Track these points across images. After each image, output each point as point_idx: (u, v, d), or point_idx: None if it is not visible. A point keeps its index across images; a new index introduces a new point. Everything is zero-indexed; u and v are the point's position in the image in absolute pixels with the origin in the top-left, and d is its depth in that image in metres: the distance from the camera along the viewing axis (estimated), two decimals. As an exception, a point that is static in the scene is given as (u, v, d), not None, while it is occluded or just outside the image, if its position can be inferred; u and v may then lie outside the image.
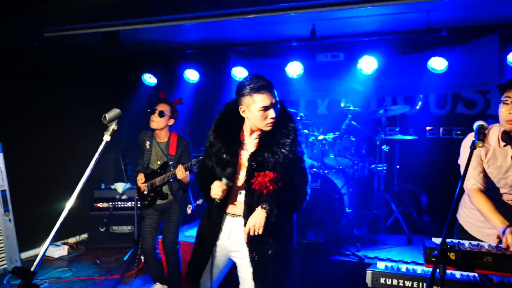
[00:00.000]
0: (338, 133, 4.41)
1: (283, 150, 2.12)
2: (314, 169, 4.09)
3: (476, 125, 2.19)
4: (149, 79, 6.10)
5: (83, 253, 5.22)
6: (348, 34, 5.05)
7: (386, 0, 3.46)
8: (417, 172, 5.10)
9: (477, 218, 2.40)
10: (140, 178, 3.66)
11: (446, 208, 5.07)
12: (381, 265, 2.25)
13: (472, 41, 5.01)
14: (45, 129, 5.22)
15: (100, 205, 5.47)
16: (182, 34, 5.27)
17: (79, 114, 5.67)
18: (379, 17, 4.42)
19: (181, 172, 3.38)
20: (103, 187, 5.63)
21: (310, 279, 3.61)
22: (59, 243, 5.31)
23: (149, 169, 3.69)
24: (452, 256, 1.83)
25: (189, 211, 3.73)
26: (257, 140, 2.19)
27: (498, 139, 2.31)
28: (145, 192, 3.66)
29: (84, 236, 5.75)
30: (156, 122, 3.57)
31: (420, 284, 2.07)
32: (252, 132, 2.23)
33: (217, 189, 2.13)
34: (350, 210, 4.06)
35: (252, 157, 2.15)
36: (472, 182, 2.28)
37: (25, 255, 4.89)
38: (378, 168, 4.52)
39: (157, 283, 3.87)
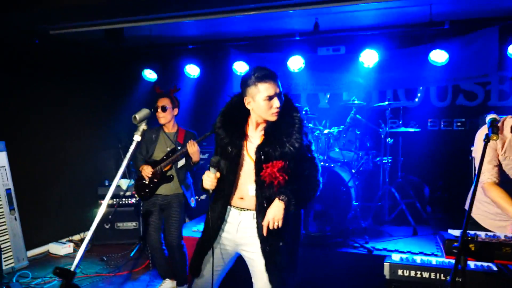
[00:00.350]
0: (342, 126, 4.46)
1: (290, 140, 2.14)
2: (322, 163, 4.13)
3: (488, 118, 2.21)
4: (149, 74, 6.07)
5: (89, 250, 5.21)
6: (350, 28, 5.07)
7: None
8: (420, 164, 5.18)
9: (489, 211, 2.46)
10: (147, 167, 3.61)
11: (448, 199, 5.18)
12: (396, 257, 2.30)
13: (472, 33, 5.06)
14: (48, 127, 5.19)
15: (103, 201, 5.47)
16: (183, 29, 5.25)
17: (81, 110, 5.65)
18: (381, 11, 4.44)
19: (192, 146, 3.41)
20: (106, 184, 5.62)
21: (320, 271, 3.66)
22: (64, 240, 5.31)
23: (151, 160, 3.69)
24: (472, 247, 1.88)
25: (192, 204, 3.75)
26: (262, 132, 2.21)
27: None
28: (146, 182, 3.64)
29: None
30: (163, 117, 3.65)
31: (437, 275, 2.13)
32: (257, 125, 2.25)
33: (207, 179, 2.18)
34: (356, 203, 4.11)
35: (259, 149, 2.17)
36: (487, 176, 2.32)
37: (31, 253, 4.89)
38: (383, 161, 4.57)
39: (167, 279, 3.90)
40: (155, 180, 3.63)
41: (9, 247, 4.45)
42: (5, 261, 4.34)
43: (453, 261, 2.09)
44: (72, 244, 5.21)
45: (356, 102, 4.48)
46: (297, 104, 3.98)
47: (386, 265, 2.19)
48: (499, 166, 2.36)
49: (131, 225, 5.42)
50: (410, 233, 4.31)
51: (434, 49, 4.92)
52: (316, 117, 4.89)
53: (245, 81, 2.17)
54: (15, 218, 4.58)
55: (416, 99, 5.63)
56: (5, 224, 4.45)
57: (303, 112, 4.44)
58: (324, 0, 3.93)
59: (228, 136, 2.24)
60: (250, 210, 2.23)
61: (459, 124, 5.43)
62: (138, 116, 1.85)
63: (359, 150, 4.46)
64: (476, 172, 1.99)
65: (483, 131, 2.43)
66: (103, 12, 3.70)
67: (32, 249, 4.94)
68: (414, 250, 3.76)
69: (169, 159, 3.59)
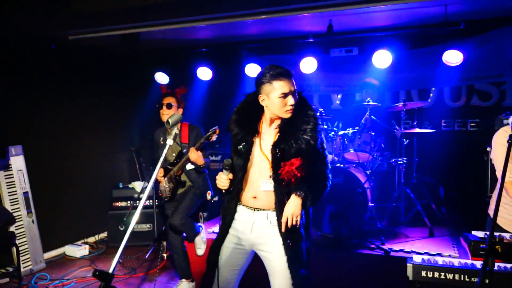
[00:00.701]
0: (357, 128, 4.45)
1: (305, 136, 2.16)
2: (338, 164, 4.13)
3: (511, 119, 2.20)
4: (162, 77, 6.12)
5: (104, 252, 5.27)
6: (363, 29, 5.06)
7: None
8: (434, 164, 5.16)
9: (510, 213, 2.44)
10: (160, 172, 3.71)
11: (463, 200, 5.14)
12: (418, 258, 2.30)
13: (487, 33, 5.03)
14: (64, 130, 5.24)
15: (118, 204, 5.52)
16: (195, 32, 5.28)
17: (95, 114, 5.70)
18: (395, 12, 4.43)
19: (193, 153, 3.43)
20: (121, 186, 5.67)
21: (337, 272, 3.66)
22: (79, 242, 5.36)
23: (165, 164, 3.77)
24: (499, 249, 1.87)
25: (208, 197, 3.73)
26: (277, 129, 2.24)
27: None
28: (166, 186, 3.72)
29: (103, 235, 5.80)
30: (167, 114, 3.67)
31: (461, 276, 2.12)
32: (272, 121, 2.27)
33: (220, 180, 2.24)
34: (372, 204, 4.11)
35: (275, 146, 2.19)
36: (509, 175, 2.31)
37: (47, 255, 4.94)
38: (398, 162, 4.56)
39: (183, 280, 3.92)
40: (172, 185, 3.71)
41: (27, 250, 4.51)
42: (23, 263, 4.39)
43: (475, 262, 2.08)
44: (87, 246, 5.25)
45: (371, 103, 4.47)
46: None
47: (409, 266, 2.18)
48: None
49: (145, 227, 5.46)
50: (426, 234, 4.29)
51: (448, 49, 4.89)
52: (329, 118, 4.90)
53: (260, 78, 2.20)
54: (33, 221, 4.63)
55: (429, 100, 5.61)
56: (23, 227, 4.51)
57: (318, 114, 4.44)
58: (337, 3, 3.93)
59: (241, 133, 2.28)
60: (264, 210, 2.25)
61: (473, 124, 5.40)
62: (171, 120, 1.93)
63: (374, 151, 4.45)
64: (500, 175, 1.97)
65: (501, 133, 2.42)
66: (121, 17, 3.74)
67: (48, 251, 4.99)
68: (432, 251, 3.74)
69: (178, 164, 3.64)
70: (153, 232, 5.38)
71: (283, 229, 2.17)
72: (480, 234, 2.08)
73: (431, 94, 5.63)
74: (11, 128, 4.64)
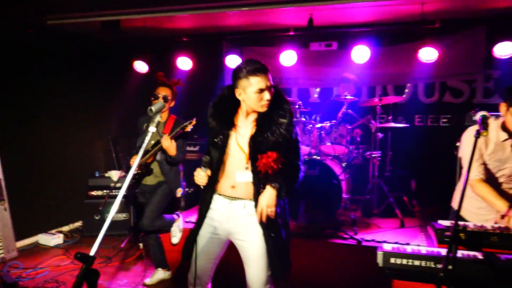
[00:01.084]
0: (334, 121, 4.55)
1: (281, 130, 2.23)
2: (314, 156, 4.21)
3: (479, 115, 2.29)
4: (141, 66, 6.06)
5: (79, 241, 5.22)
6: (343, 24, 5.15)
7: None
8: (407, 158, 5.33)
9: (474, 205, 2.58)
10: (133, 160, 3.66)
11: (433, 192, 5.32)
12: (388, 246, 2.39)
13: (460, 32, 5.21)
14: (39, 118, 5.14)
15: (94, 193, 5.47)
16: (176, 21, 5.25)
17: (71, 102, 5.60)
18: (374, 8, 4.53)
19: (166, 140, 3.36)
20: (97, 175, 5.61)
21: (311, 261, 3.75)
22: (53, 231, 5.28)
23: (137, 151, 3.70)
24: (462, 236, 1.98)
25: (179, 194, 3.73)
26: (254, 123, 2.29)
27: (497, 134, 2.46)
28: (135, 173, 3.66)
29: (78, 224, 5.74)
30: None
31: (427, 263, 2.22)
32: (247, 114, 2.32)
33: (198, 176, 2.27)
34: (346, 196, 4.22)
35: (253, 139, 2.25)
36: (474, 173, 2.43)
37: (20, 244, 4.86)
38: (373, 155, 4.69)
39: (159, 269, 3.94)
40: (139, 171, 3.65)
41: (-1, 238, 4.43)
42: (-6, 251, 4.32)
43: (441, 249, 2.19)
44: (61, 235, 5.19)
45: (347, 97, 4.57)
46: (289, 98, 4.06)
47: (379, 253, 2.27)
48: (485, 164, 2.47)
49: (121, 216, 5.43)
50: (397, 225, 4.45)
51: (424, 46, 5.04)
52: (308, 111, 4.98)
53: (237, 73, 2.24)
54: (5, 209, 4.54)
55: (404, 95, 5.77)
56: (-5, 214, 4.42)
57: (297, 106, 4.51)
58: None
59: (218, 126, 2.32)
60: (242, 199, 2.30)
61: (445, 120, 5.59)
62: (154, 108, 1.94)
63: (350, 144, 4.56)
64: (466, 170, 2.08)
65: (469, 132, 2.52)
66: (102, 3, 3.69)
67: (21, 239, 4.91)
68: (401, 241, 3.88)
69: (151, 152, 3.54)
70: (129, 221, 5.36)
71: (258, 220, 2.23)
72: (446, 223, 2.19)
73: (406, 90, 5.79)
74: (-17, 114, 4.54)
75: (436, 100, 5.66)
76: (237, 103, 2.33)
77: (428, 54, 5.08)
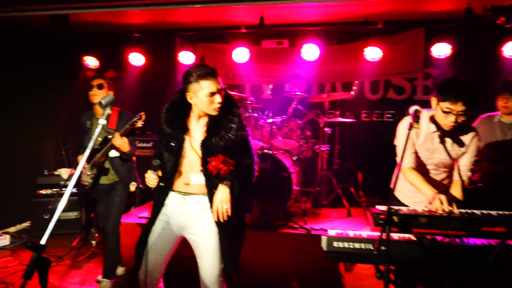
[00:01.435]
0: (285, 116, 4.71)
1: (229, 134, 2.32)
2: (266, 150, 4.36)
3: (412, 109, 2.51)
4: (91, 62, 5.94)
5: (27, 242, 5.05)
6: (293, 23, 5.33)
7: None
8: (354, 152, 5.62)
9: (408, 190, 2.82)
10: (79, 158, 3.55)
11: (378, 184, 5.65)
12: (332, 232, 2.57)
13: (402, 33, 5.55)
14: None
15: (43, 191, 5.31)
16: (127, 16, 5.20)
17: (19, 98, 5.39)
18: (322, 8, 4.74)
19: (117, 139, 3.28)
20: (46, 173, 5.44)
21: (263, 251, 3.89)
22: (-1, 232, 5.08)
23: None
24: (395, 218, 2.17)
25: (133, 188, 3.67)
26: (205, 127, 2.37)
27: (428, 125, 2.69)
28: (88, 173, 3.56)
29: (26, 224, 5.54)
30: (97, 95, 3.49)
31: (367, 245, 2.41)
32: (199, 117, 2.40)
33: (149, 179, 2.32)
34: (297, 188, 4.40)
35: (203, 145, 2.33)
36: (406, 162, 2.66)
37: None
38: (322, 149, 4.91)
39: (119, 266, 3.88)
40: (94, 172, 3.54)
41: None
42: None
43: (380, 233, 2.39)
44: (8, 236, 5.00)
45: (297, 93, 4.75)
46: (241, 94, 4.15)
47: (323, 238, 2.43)
48: (416, 153, 2.71)
49: (72, 215, 5.30)
50: (344, 214, 4.71)
51: (369, 46, 5.34)
52: (259, 107, 5.12)
53: (187, 78, 2.29)
54: None
55: (352, 92, 6.06)
56: None
57: (249, 102, 4.63)
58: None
59: (172, 132, 2.37)
60: (195, 194, 2.37)
61: (389, 116, 5.94)
62: (104, 101, 1.96)
63: (300, 139, 4.75)
64: (399, 158, 2.29)
65: (404, 122, 2.75)
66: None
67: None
68: (348, 229, 4.10)
69: (101, 150, 3.44)
70: (81, 219, 5.25)
71: (215, 218, 2.30)
72: (382, 208, 2.38)
73: (354, 87, 6.08)
74: None
75: (380, 96, 5.99)
76: (189, 107, 2.38)
77: (372, 53, 5.40)
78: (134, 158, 3.83)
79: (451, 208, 2.38)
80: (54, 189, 5.30)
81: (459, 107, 2.41)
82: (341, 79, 6.06)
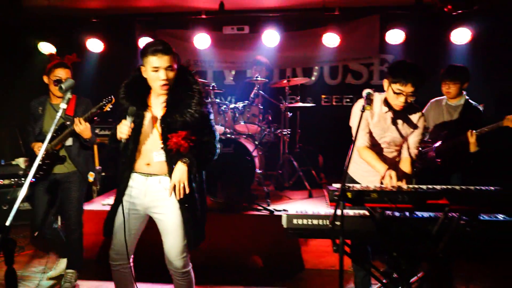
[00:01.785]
0: (247, 102, 4.80)
1: (189, 110, 2.37)
2: (229, 135, 4.44)
3: (365, 92, 2.67)
4: (47, 48, 5.76)
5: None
6: (253, 9, 5.39)
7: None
8: (315, 135, 5.80)
9: (363, 169, 3.01)
10: (38, 146, 3.34)
11: (338, 166, 5.87)
12: (292, 210, 2.71)
13: (359, 19, 5.75)
14: None
15: (0, 182, 5.17)
16: (84, 1, 5.08)
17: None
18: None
19: (80, 124, 3.15)
20: (2, 163, 5.29)
21: (228, 234, 4.01)
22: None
23: (42, 136, 3.38)
24: (349, 195, 2.33)
25: (91, 178, 3.57)
26: (164, 104, 2.41)
27: (381, 106, 2.87)
28: (40, 162, 3.43)
29: (-17, 216, 5.38)
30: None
31: (324, 221, 2.57)
32: (158, 94, 2.43)
33: (123, 127, 2.29)
34: (260, 171, 4.52)
35: (163, 120, 2.38)
36: (360, 141, 2.83)
37: None
38: (283, 133, 5.06)
39: (61, 259, 3.81)
40: (48, 161, 3.36)
41: None
42: None
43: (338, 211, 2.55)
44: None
45: (259, 79, 4.84)
46: (202, 80, 4.17)
47: (284, 216, 2.56)
48: (370, 133, 2.89)
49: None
50: (306, 196, 4.89)
51: (326, 32, 5.50)
52: (222, 93, 5.18)
53: (143, 52, 2.35)
54: None
55: (313, 78, 6.23)
56: None
57: (211, 88, 4.68)
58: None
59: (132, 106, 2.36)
60: (157, 175, 2.43)
61: (347, 100, 6.16)
62: (64, 86, 1.97)
63: (262, 123, 4.86)
64: (353, 138, 2.44)
65: (358, 104, 2.92)
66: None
67: None
68: (309, 209, 4.29)
69: (58, 137, 3.31)
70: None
71: (169, 195, 2.36)
72: (338, 185, 2.54)
73: (315, 73, 6.25)
74: None
75: (339, 81, 6.19)
76: (148, 83, 2.41)
77: (330, 39, 5.56)
78: (95, 146, 3.80)
79: (400, 184, 2.58)
80: (12, 179, 5.17)
81: (408, 89, 2.60)
82: (301, 65, 6.21)
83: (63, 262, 3.74)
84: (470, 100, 3.57)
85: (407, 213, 2.42)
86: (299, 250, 3.95)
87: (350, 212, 2.58)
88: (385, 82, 2.80)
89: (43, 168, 3.38)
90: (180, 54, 2.37)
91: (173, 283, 2.57)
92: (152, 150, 2.41)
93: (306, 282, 3.66)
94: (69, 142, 3.40)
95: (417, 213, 2.46)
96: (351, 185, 2.55)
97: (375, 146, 2.90)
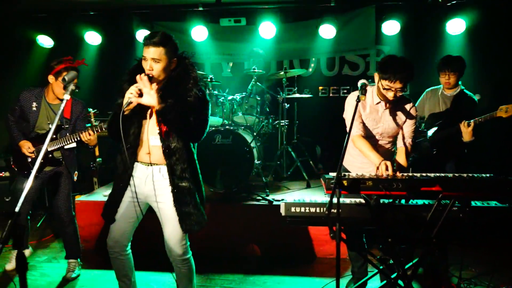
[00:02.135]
0: (245, 93, 4.85)
1: (185, 94, 2.43)
2: (227, 127, 4.50)
3: (360, 83, 2.73)
4: (45, 41, 5.78)
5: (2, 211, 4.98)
6: (250, 1, 5.41)
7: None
8: (312, 126, 5.87)
9: (358, 161, 3.09)
10: (28, 146, 3.33)
11: (336, 156, 5.95)
12: (290, 199, 2.78)
13: (354, 10, 5.78)
14: None
15: (2, 174, 5.24)
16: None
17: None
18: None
19: (87, 135, 3.23)
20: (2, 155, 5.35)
21: (228, 223, 4.09)
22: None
23: (33, 133, 3.37)
24: (345, 182, 2.40)
25: (75, 177, 3.63)
26: (160, 91, 2.44)
27: (373, 98, 2.93)
28: (30, 160, 3.37)
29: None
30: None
31: (321, 209, 2.64)
32: (156, 83, 2.48)
33: (132, 89, 2.34)
34: (258, 162, 4.58)
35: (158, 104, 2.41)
36: (355, 130, 2.90)
37: None
38: (281, 124, 5.12)
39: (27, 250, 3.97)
40: (42, 161, 3.21)
41: None
42: None
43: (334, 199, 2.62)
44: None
45: (256, 71, 4.88)
46: (200, 72, 4.18)
47: (282, 204, 2.64)
48: (363, 123, 2.95)
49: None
50: (304, 186, 4.96)
51: (322, 23, 5.54)
52: (220, 85, 5.22)
53: (143, 40, 2.44)
54: None
55: (310, 69, 6.27)
56: None
57: (208, 80, 4.72)
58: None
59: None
60: (157, 164, 2.51)
61: (345, 91, 6.21)
62: (67, 77, 2.02)
63: (260, 115, 4.91)
64: (348, 128, 2.50)
65: (352, 96, 2.99)
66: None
67: None
68: (307, 199, 4.36)
69: (52, 142, 3.30)
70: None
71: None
72: (334, 174, 2.60)
73: (312, 64, 6.29)
74: None
75: (336, 73, 6.24)
76: None
77: (327, 31, 5.61)
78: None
79: (394, 173, 2.65)
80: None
81: (397, 85, 2.68)
82: (298, 57, 6.25)
83: (26, 251, 3.90)
84: (465, 90, 3.63)
85: (402, 200, 2.50)
86: (297, 239, 4.04)
87: (346, 200, 2.65)
88: (376, 76, 2.86)
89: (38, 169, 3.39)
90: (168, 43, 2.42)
91: (173, 271, 2.64)
92: (150, 135, 2.49)
93: (305, 270, 3.75)
94: (73, 145, 3.41)
95: (411, 200, 2.53)
96: (347, 173, 2.62)
97: (369, 138, 2.96)
